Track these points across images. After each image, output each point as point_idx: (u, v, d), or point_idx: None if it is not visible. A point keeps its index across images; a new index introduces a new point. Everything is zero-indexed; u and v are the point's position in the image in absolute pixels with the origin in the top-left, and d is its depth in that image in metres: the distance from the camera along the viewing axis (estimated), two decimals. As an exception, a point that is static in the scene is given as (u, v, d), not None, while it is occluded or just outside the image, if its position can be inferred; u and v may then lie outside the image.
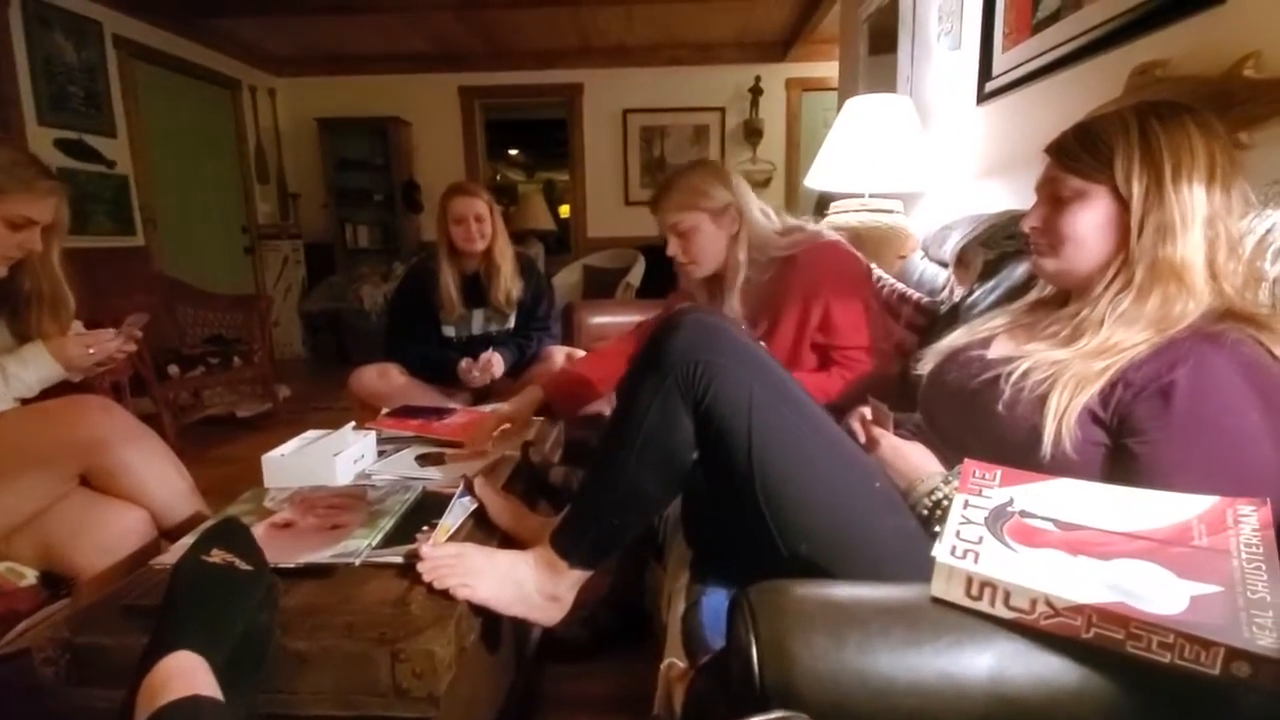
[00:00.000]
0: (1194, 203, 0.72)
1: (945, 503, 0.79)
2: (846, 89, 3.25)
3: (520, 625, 1.24)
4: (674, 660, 0.81)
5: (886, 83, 2.66)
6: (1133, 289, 0.75)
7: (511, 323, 2.16)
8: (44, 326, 1.30)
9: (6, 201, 1.16)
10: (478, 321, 2.14)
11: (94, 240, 3.54)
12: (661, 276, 4.18)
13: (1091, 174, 0.77)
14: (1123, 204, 0.75)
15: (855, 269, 1.34)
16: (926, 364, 0.93)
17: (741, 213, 1.33)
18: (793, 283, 1.30)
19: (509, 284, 2.09)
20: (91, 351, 1.29)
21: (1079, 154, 0.79)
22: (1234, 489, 0.58)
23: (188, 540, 0.91)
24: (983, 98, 1.90)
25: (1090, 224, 0.78)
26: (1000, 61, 1.80)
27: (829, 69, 4.21)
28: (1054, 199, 0.81)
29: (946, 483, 0.81)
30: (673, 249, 1.36)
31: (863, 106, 2.20)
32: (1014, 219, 1.43)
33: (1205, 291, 0.72)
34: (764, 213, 1.38)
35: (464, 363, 2.00)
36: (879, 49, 2.87)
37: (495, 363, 1.99)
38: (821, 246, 1.31)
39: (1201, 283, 0.72)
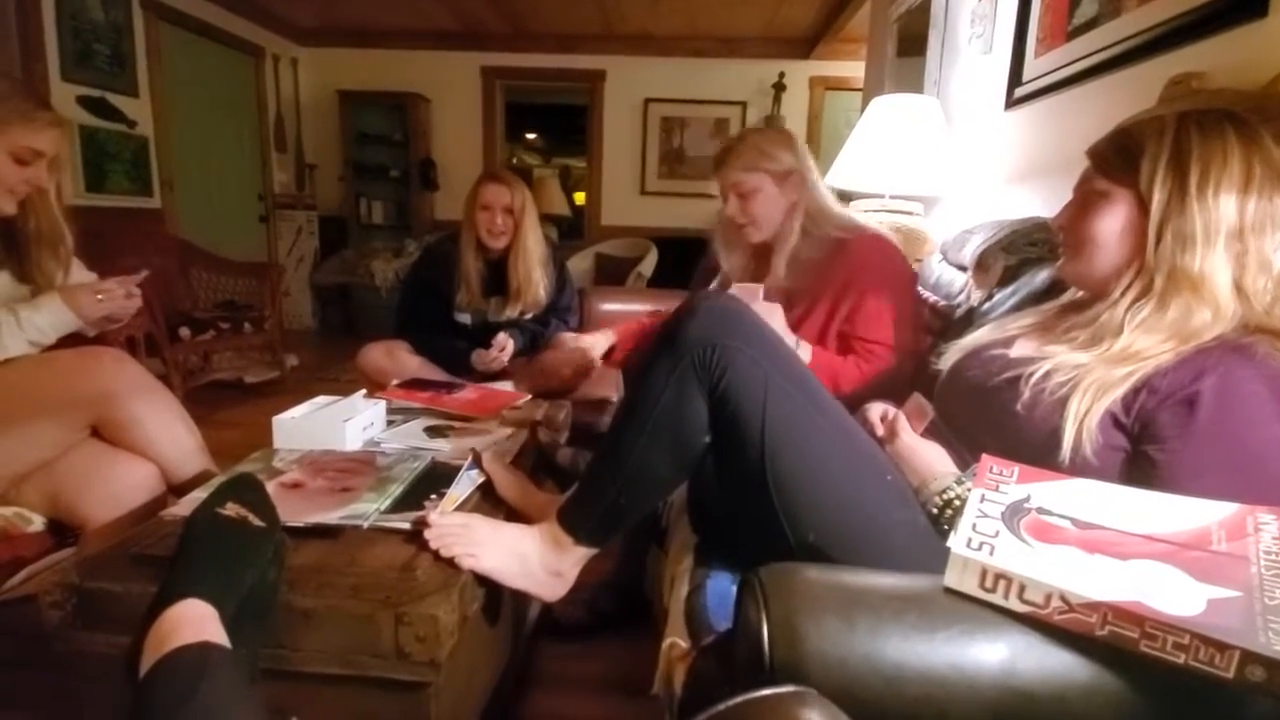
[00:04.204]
0: (1220, 214, 0.71)
1: (956, 503, 0.79)
2: (871, 89, 3.22)
3: (519, 601, 1.24)
4: (676, 640, 0.81)
5: (913, 85, 2.64)
6: (1153, 297, 0.74)
7: (530, 315, 2.13)
8: (45, 265, 1.29)
9: (9, 134, 1.15)
10: (494, 310, 2.10)
11: (111, 199, 3.55)
12: (673, 267, 4.19)
13: (1118, 176, 0.77)
14: (1144, 209, 0.74)
15: (901, 268, 1.33)
16: (948, 359, 0.93)
17: (804, 180, 1.33)
18: (838, 266, 1.30)
19: (537, 286, 2.05)
20: (101, 299, 1.29)
21: (1110, 155, 0.78)
22: (1254, 500, 0.58)
23: (199, 493, 0.91)
24: (1012, 103, 1.88)
25: (1110, 227, 0.77)
26: (1032, 67, 1.78)
27: (853, 69, 4.18)
28: (1084, 199, 0.81)
29: (959, 483, 0.80)
30: (732, 209, 1.36)
31: (888, 106, 2.18)
32: (1037, 225, 1.41)
33: (1230, 306, 0.71)
34: (826, 191, 1.38)
35: (476, 353, 1.98)
36: (907, 51, 2.85)
37: (508, 345, 1.97)
38: (874, 238, 1.30)
39: (1225, 298, 0.71)
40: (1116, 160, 0.77)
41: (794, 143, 1.35)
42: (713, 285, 1.60)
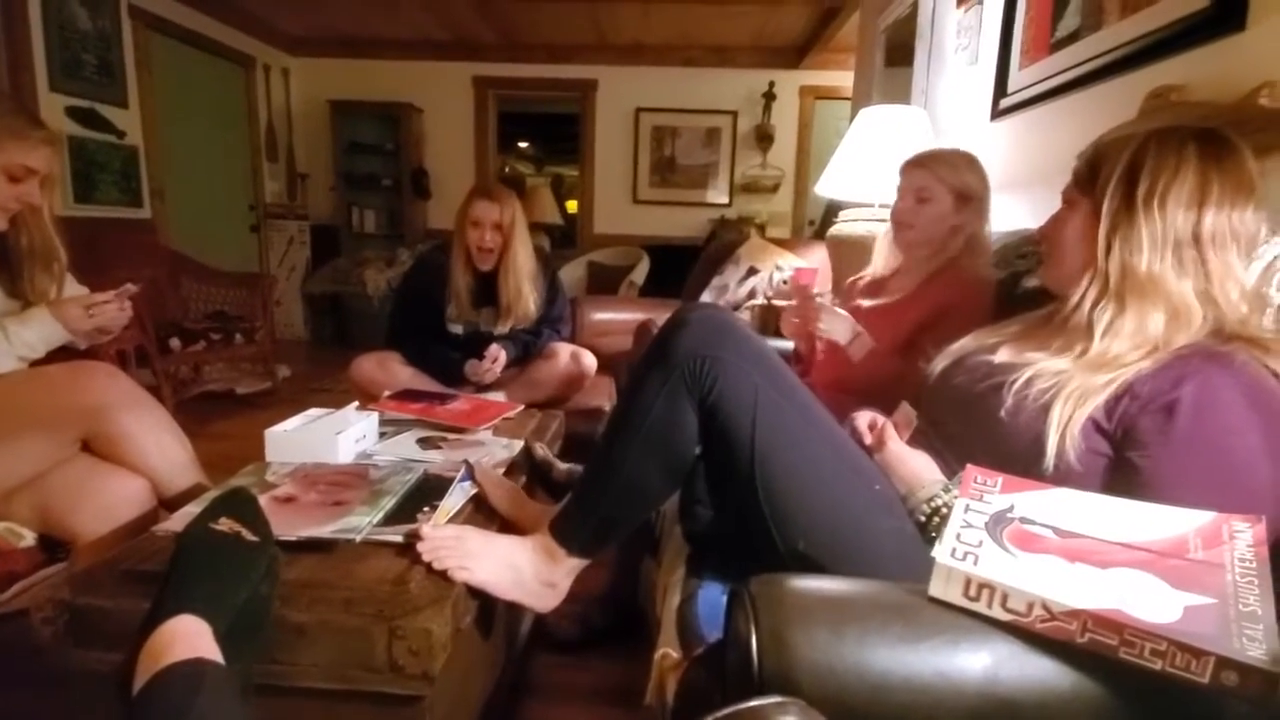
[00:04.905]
0: (1168, 224, 0.73)
1: (944, 510, 0.80)
2: (860, 99, 3.26)
3: (512, 613, 1.25)
4: (668, 651, 0.82)
5: (900, 95, 2.67)
6: (1110, 301, 0.77)
7: (521, 327, 2.14)
8: (37, 281, 1.30)
9: (2, 152, 1.15)
10: (485, 320, 2.11)
11: (101, 210, 3.54)
12: (666, 276, 4.21)
13: (1084, 186, 0.82)
14: (1099, 217, 0.78)
15: (988, 309, 1.33)
16: (936, 365, 0.94)
17: (980, 212, 1.36)
18: (941, 285, 1.33)
19: (527, 300, 2.06)
20: (91, 314, 1.29)
21: (1083, 167, 0.83)
22: (1231, 506, 0.59)
23: (192, 508, 0.91)
24: (997, 114, 1.91)
25: (1071, 233, 0.83)
26: (1016, 79, 1.81)
27: (843, 78, 4.23)
28: (1060, 208, 0.87)
29: (946, 491, 0.82)
30: (904, 206, 1.38)
31: (876, 116, 2.21)
32: (1025, 238, 1.44)
33: (1196, 313, 0.73)
34: (989, 231, 1.40)
35: (470, 364, 1.99)
36: (895, 61, 2.88)
37: (500, 356, 1.98)
38: (988, 284, 1.32)
39: (1186, 304, 0.73)
40: (1086, 172, 0.82)
41: (985, 178, 1.37)
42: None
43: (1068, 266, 0.84)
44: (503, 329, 2.09)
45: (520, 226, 2.03)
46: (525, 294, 2.05)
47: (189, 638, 0.64)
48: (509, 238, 2.00)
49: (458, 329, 2.10)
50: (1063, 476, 0.71)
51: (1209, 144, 0.75)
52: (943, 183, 1.34)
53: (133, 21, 3.73)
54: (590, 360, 2.13)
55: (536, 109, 6.52)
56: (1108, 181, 0.77)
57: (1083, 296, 0.80)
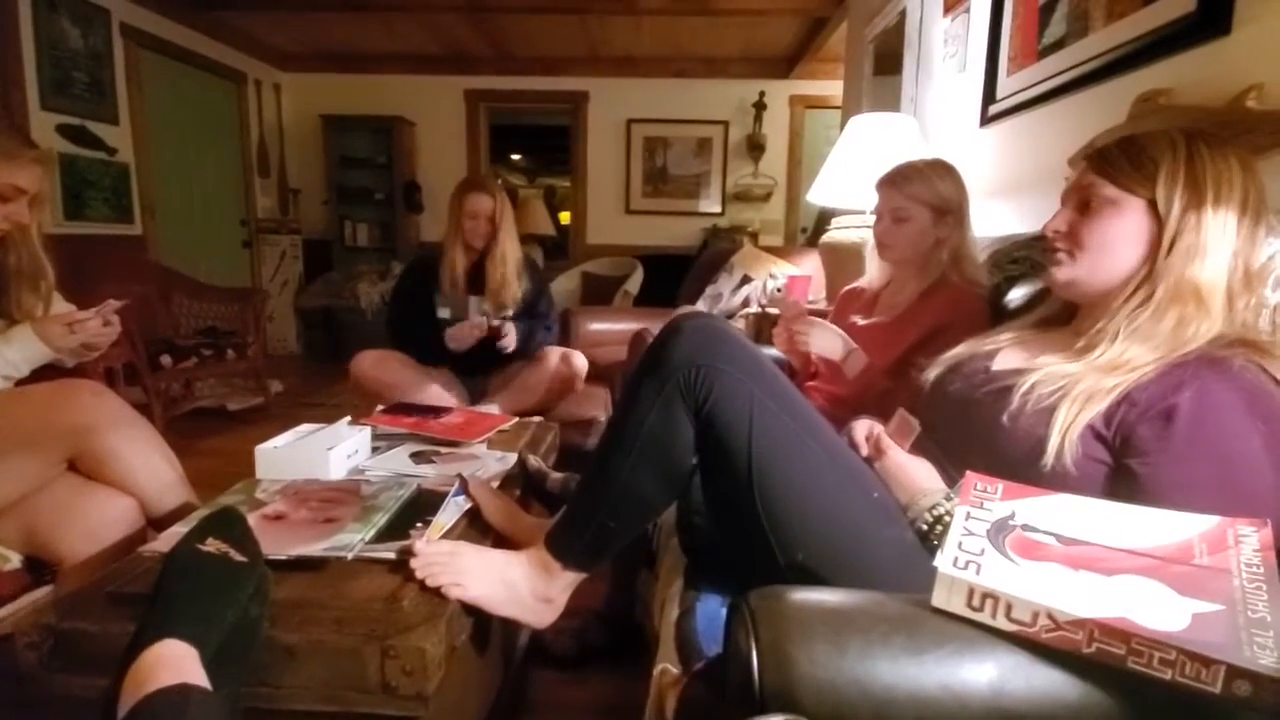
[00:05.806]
0: (1225, 231, 0.73)
1: (946, 519, 0.79)
2: (850, 108, 3.28)
3: (508, 629, 1.23)
4: (667, 666, 0.80)
5: (890, 103, 2.69)
6: (1151, 306, 0.75)
7: (508, 312, 2.18)
8: (24, 301, 1.28)
9: None
10: (474, 306, 2.15)
11: (92, 227, 3.53)
12: (660, 285, 4.20)
13: (1130, 185, 0.77)
14: (1156, 220, 0.75)
15: (983, 324, 1.31)
16: (930, 373, 0.93)
17: (960, 222, 1.34)
18: (936, 302, 1.31)
19: (512, 284, 2.14)
20: (73, 332, 1.27)
21: (1121, 163, 0.78)
22: (1234, 511, 0.58)
23: (179, 528, 0.90)
24: (986, 120, 1.92)
25: (1119, 234, 0.78)
26: (1004, 85, 1.82)
27: (833, 87, 4.25)
28: (1083, 205, 0.81)
29: (948, 499, 0.80)
30: (883, 228, 1.37)
31: (867, 124, 2.22)
32: (1017, 244, 1.44)
33: (1220, 319, 0.73)
34: (973, 237, 1.38)
35: (453, 328, 2.04)
36: (883, 69, 2.91)
37: (510, 332, 2.03)
38: (980, 297, 1.30)
39: (1218, 310, 0.73)
40: (1129, 169, 0.77)
41: (962, 184, 1.36)
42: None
43: (1108, 269, 0.79)
44: (489, 303, 2.15)
45: (508, 216, 2.13)
46: (511, 279, 2.14)
47: (175, 662, 0.62)
48: (499, 227, 2.11)
49: (446, 314, 2.15)
50: (1058, 480, 0.70)
51: (1239, 151, 0.74)
52: (917, 200, 1.33)
53: (124, 39, 3.73)
54: (581, 361, 2.15)
55: (528, 121, 6.54)
56: (1173, 183, 0.74)
57: (1125, 301, 0.77)
